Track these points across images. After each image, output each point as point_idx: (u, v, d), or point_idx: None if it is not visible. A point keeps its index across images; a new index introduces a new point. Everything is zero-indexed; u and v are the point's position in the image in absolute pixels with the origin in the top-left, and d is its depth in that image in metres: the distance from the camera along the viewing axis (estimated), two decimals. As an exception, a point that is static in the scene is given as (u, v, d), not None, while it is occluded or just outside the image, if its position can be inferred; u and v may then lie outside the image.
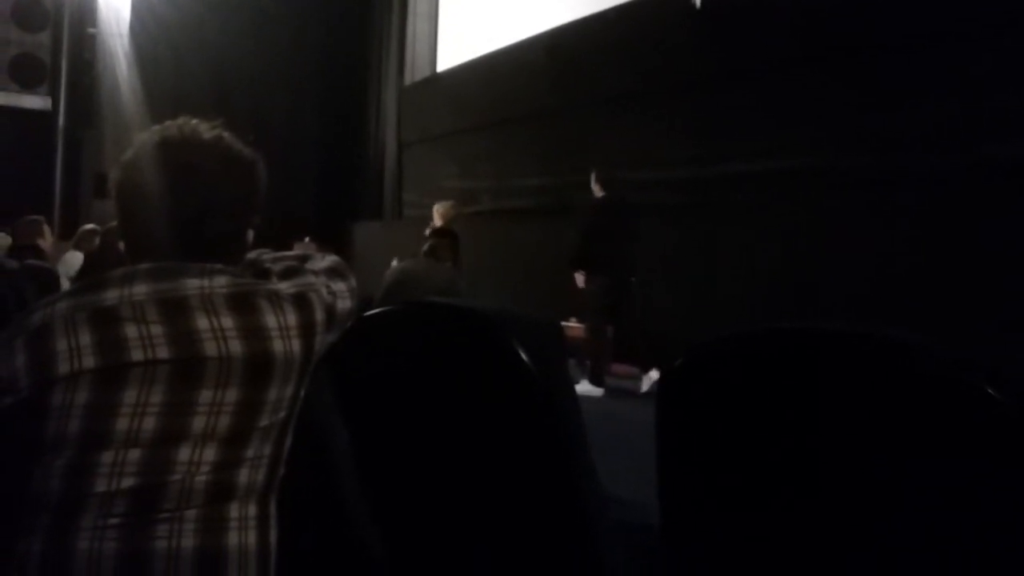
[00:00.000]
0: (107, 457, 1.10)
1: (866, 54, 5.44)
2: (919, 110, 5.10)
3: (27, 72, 11.27)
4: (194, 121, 1.29)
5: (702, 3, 6.60)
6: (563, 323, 6.85)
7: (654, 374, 5.94)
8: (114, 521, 1.11)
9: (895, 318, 4.79)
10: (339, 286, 1.36)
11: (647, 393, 5.88)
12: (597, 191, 6.22)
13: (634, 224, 6.06)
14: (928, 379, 0.89)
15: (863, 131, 5.46)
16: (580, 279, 6.09)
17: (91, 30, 11.09)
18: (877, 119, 5.36)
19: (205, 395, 1.14)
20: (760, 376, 1.04)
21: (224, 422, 1.15)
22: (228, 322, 1.17)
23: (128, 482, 1.11)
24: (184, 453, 1.13)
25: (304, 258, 1.44)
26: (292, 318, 1.22)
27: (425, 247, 5.11)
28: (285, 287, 1.25)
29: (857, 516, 0.93)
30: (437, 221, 7.33)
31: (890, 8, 5.29)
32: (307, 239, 8.51)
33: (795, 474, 1.00)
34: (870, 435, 0.92)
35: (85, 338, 1.12)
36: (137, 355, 1.12)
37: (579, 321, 6.95)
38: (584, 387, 5.88)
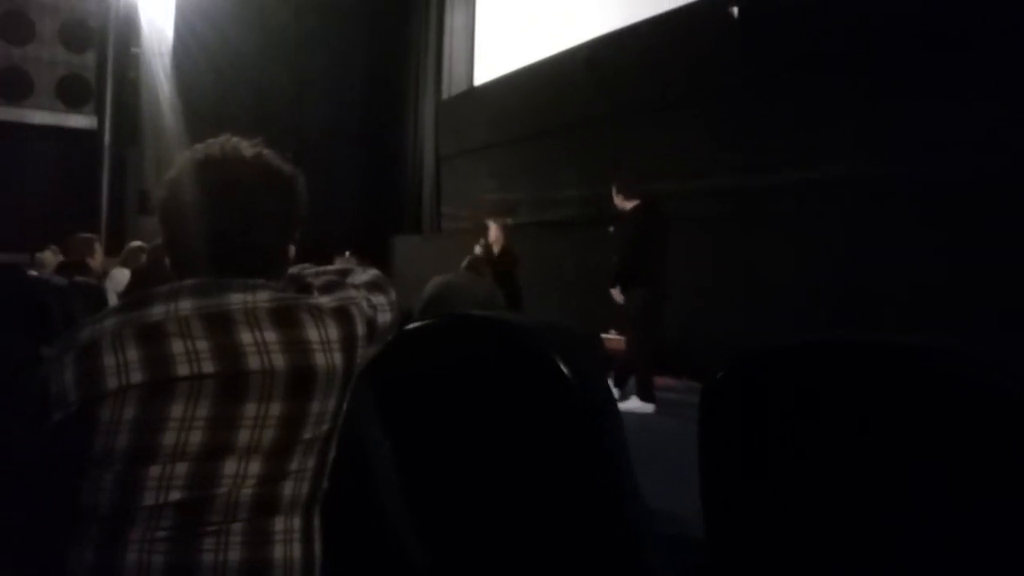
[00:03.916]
0: (155, 471, 1.12)
1: (909, 60, 5.37)
2: (966, 116, 5.02)
3: (73, 92, 11.53)
4: (235, 139, 1.31)
5: (740, 12, 6.56)
6: (603, 335, 6.83)
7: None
8: (162, 534, 1.12)
9: (941, 329, 4.71)
10: (380, 300, 1.37)
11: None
12: (621, 203, 6.00)
13: (666, 235, 5.91)
14: (977, 392, 0.87)
15: (906, 139, 5.39)
16: (617, 295, 5.91)
17: (135, 50, 11.30)
18: (918, 127, 5.29)
19: (249, 408, 1.15)
20: (804, 388, 1.03)
21: (268, 435, 1.17)
22: (271, 336, 1.18)
23: (175, 495, 1.12)
24: (230, 466, 1.14)
25: (345, 272, 1.45)
26: (334, 332, 1.23)
27: (465, 261, 5.13)
28: (327, 301, 1.27)
29: (909, 531, 0.92)
30: (492, 239, 7.29)
31: (933, 13, 5.22)
32: (348, 253, 8.58)
33: (843, 487, 0.98)
34: (920, 448, 0.91)
35: (132, 354, 1.14)
36: (183, 370, 1.14)
37: (619, 333, 6.91)
38: (634, 404, 5.76)
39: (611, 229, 6.13)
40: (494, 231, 7.30)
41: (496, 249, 7.20)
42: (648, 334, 5.86)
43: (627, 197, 5.99)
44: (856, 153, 5.69)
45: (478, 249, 7.20)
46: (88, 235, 5.87)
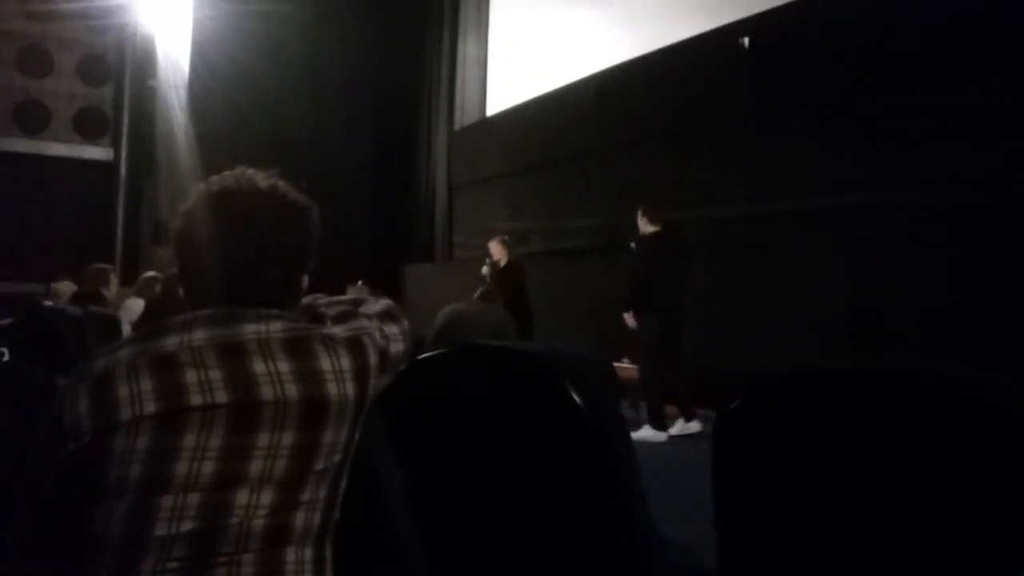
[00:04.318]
0: (167, 501, 1.12)
1: (916, 88, 5.39)
2: (973, 144, 5.03)
3: (91, 124, 11.68)
4: (250, 170, 1.32)
5: (750, 43, 6.60)
6: (615, 363, 6.80)
7: (694, 424, 5.81)
8: (174, 565, 1.12)
9: (949, 351, 4.69)
10: (392, 329, 1.37)
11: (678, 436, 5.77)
12: (644, 226, 6.02)
13: (686, 261, 5.92)
14: (992, 418, 0.87)
15: (913, 166, 5.40)
16: (630, 319, 5.89)
17: (151, 83, 11.43)
18: (929, 154, 5.30)
19: (262, 439, 1.16)
20: (818, 416, 1.03)
21: (281, 465, 1.17)
22: (284, 366, 1.18)
23: (188, 526, 1.12)
24: (242, 497, 1.14)
25: (358, 302, 1.45)
26: (346, 362, 1.24)
27: (478, 291, 5.14)
28: (339, 331, 1.27)
29: (926, 559, 0.91)
30: (496, 256, 7.40)
31: (940, 43, 5.24)
32: (360, 282, 8.62)
33: (860, 518, 0.98)
34: (938, 479, 0.90)
35: (146, 384, 1.14)
36: (196, 400, 1.14)
37: (632, 361, 6.88)
38: (646, 432, 5.70)
39: (632, 245, 6.12)
40: (495, 248, 7.40)
41: (501, 264, 7.30)
42: (661, 362, 5.82)
43: (651, 221, 6.00)
44: (864, 180, 5.69)
45: (485, 269, 7.29)
46: (103, 265, 5.91)
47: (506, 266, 7.32)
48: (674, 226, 6.09)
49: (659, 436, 5.68)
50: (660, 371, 5.83)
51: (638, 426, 5.73)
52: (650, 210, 6.05)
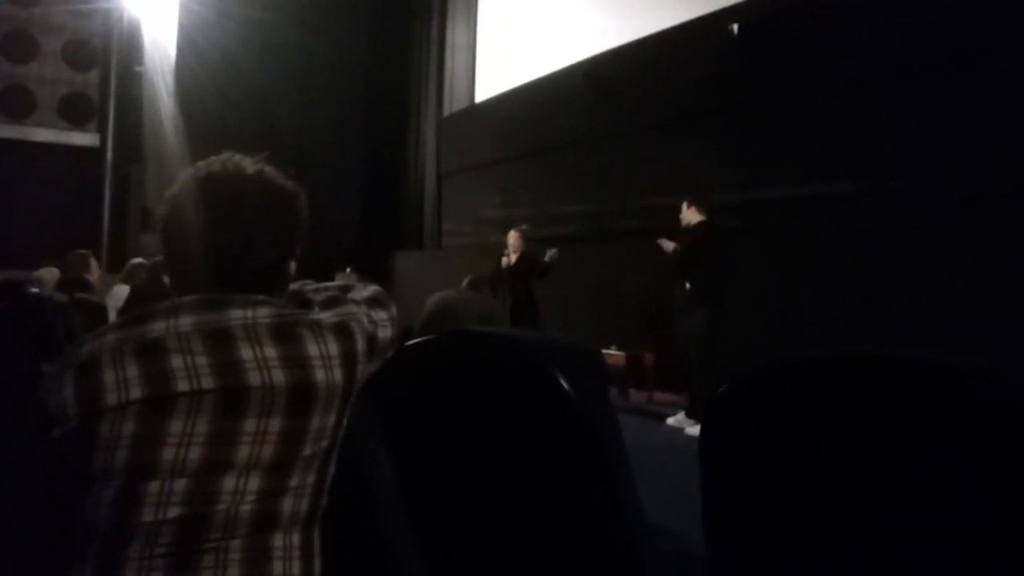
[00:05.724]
0: (154, 487, 1.11)
1: (907, 74, 5.40)
2: (966, 132, 5.04)
3: (76, 110, 11.59)
4: (237, 156, 1.31)
5: (739, 30, 6.59)
6: (604, 350, 6.82)
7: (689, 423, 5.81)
8: (161, 551, 1.11)
9: (949, 341, 4.71)
10: (380, 315, 1.37)
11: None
12: (691, 216, 5.89)
13: (728, 251, 5.86)
14: (986, 406, 0.87)
15: (906, 154, 5.41)
16: (666, 244, 5.82)
17: (138, 68, 11.36)
18: (920, 141, 5.31)
19: (249, 424, 1.15)
20: (805, 403, 1.03)
21: (268, 451, 1.16)
22: (271, 352, 1.18)
23: (174, 512, 1.12)
24: (229, 482, 1.14)
25: (346, 288, 1.45)
26: (334, 347, 1.23)
27: (466, 280, 5.13)
28: (327, 317, 1.27)
29: (912, 548, 0.91)
30: (513, 246, 7.37)
31: (931, 29, 5.25)
32: (349, 269, 8.61)
33: (844, 504, 0.98)
34: (925, 464, 0.91)
35: (132, 370, 1.13)
36: (183, 385, 1.13)
37: (620, 348, 6.90)
38: (680, 419, 5.73)
39: (660, 242, 5.98)
40: (514, 238, 7.37)
41: (514, 257, 7.29)
42: (707, 353, 5.75)
43: (699, 211, 5.88)
44: (856, 168, 5.70)
45: (505, 261, 7.25)
46: (83, 251, 5.88)
47: (518, 259, 7.31)
48: (715, 215, 5.98)
49: (691, 425, 5.62)
50: (706, 362, 5.76)
51: (627, 413, 5.75)
52: (698, 199, 5.92)
